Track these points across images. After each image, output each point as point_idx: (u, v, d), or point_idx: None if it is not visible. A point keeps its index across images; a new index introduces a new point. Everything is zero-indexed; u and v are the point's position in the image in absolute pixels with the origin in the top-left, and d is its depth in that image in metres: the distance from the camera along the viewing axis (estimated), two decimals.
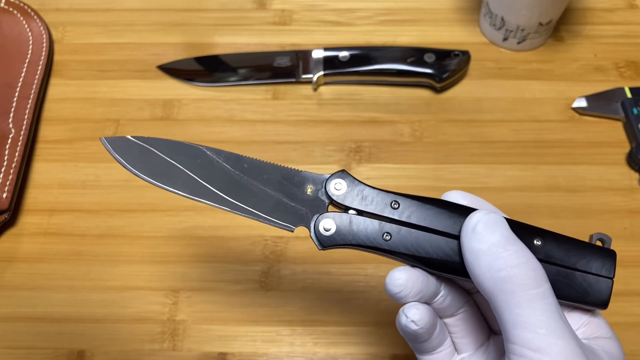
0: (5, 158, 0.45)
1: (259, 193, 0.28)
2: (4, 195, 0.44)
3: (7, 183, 0.44)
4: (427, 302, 0.27)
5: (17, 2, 0.55)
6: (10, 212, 0.44)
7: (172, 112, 0.50)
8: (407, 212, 0.27)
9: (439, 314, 0.28)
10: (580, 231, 0.44)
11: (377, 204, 0.27)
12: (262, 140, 0.48)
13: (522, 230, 0.26)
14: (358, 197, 0.28)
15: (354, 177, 0.28)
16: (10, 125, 0.47)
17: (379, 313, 0.41)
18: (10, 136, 0.47)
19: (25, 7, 0.55)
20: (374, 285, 0.42)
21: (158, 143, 0.28)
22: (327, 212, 0.28)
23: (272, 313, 0.41)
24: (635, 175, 0.46)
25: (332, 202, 0.28)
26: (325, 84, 0.51)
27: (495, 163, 0.47)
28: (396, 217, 0.27)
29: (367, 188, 0.28)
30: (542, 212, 0.44)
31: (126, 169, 0.28)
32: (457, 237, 0.26)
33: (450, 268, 0.26)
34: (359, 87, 0.51)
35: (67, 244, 0.44)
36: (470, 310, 0.29)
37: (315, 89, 0.51)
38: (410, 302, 0.27)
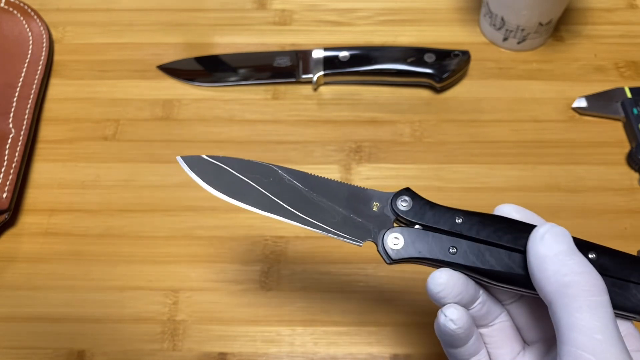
0: (5, 158, 0.45)
1: (327, 209, 0.29)
2: (4, 195, 0.44)
3: (7, 183, 0.44)
4: (466, 308, 0.28)
5: (17, 2, 0.55)
6: (10, 212, 0.44)
7: (172, 112, 0.50)
8: (470, 227, 0.28)
9: (475, 323, 0.29)
10: (580, 231, 0.43)
11: (441, 219, 0.28)
12: (262, 140, 0.48)
13: (577, 244, 0.27)
14: (423, 213, 0.29)
15: (418, 194, 0.29)
16: (10, 125, 0.47)
17: (379, 313, 0.41)
18: (10, 136, 0.47)
19: (25, 7, 0.55)
20: (374, 285, 0.42)
21: (232, 162, 0.30)
22: (394, 227, 0.29)
23: (272, 313, 0.41)
24: (635, 175, 0.46)
25: (398, 218, 0.29)
26: (325, 84, 0.51)
27: (495, 163, 0.47)
28: (460, 232, 0.28)
29: (431, 204, 0.29)
30: (542, 212, 0.44)
31: (202, 186, 0.29)
32: (518, 251, 0.27)
33: (511, 280, 0.27)
34: (359, 87, 0.51)
35: (67, 244, 0.44)
36: (506, 321, 0.30)
37: (315, 89, 0.51)
38: (449, 303, 0.27)
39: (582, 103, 0.49)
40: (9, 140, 0.46)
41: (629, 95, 0.48)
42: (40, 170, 0.47)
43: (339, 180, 0.30)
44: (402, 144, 0.48)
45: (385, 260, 0.28)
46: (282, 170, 0.30)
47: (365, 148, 0.48)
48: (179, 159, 0.30)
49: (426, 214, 0.28)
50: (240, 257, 0.43)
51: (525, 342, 0.30)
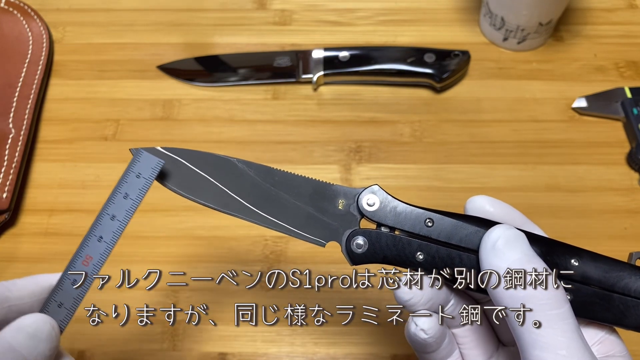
0: (5, 158, 0.45)
1: (290, 207, 0.27)
2: (4, 195, 0.44)
3: (7, 183, 0.44)
4: (437, 312, 0.27)
5: (17, 2, 0.55)
6: (10, 212, 0.44)
7: (172, 112, 0.50)
8: (441, 230, 0.26)
9: (447, 324, 0.28)
10: (580, 231, 0.44)
11: (410, 221, 0.26)
12: (262, 140, 0.48)
13: (559, 249, 0.26)
14: (391, 214, 0.27)
15: (387, 193, 0.27)
16: (10, 125, 0.47)
17: (379, 313, 0.41)
18: (10, 136, 0.47)
19: (25, 7, 0.55)
20: (375, 284, 0.42)
21: (188, 154, 0.28)
22: (359, 228, 0.27)
23: (272, 313, 0.41)
24: (635, 175, 0.46)
25: (365, 218, 0.27)
26: (325, 84, 0.51)
27: (495, 163, 0.47)
28: (430, 236, 0.26)
29: (401, 204, 0.27)
30: (542, 212, 0.44)
31: (156, 180, 0.28)
32: None
33: (482, 288, 0.26)
34: (359, 87, 0.51)
35: (67, 244, 0.44)
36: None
37: (315, 89, 0.51)
38: (419, 309, 0.26)
39: (582, 103, 0.49)
40: (9, 140, 0.46)
41: (629, 95, 0.48)
42: (40, 170, 0.47)
43: (312, 178, 0.28)
44: (402, 144, 0.48)
45: (349, 263, 0.27)
46: (243, 164, 0.28)
47: (365, 148, 0.48)
48: (132, 150, 0.28)
49: (394, 216, 0.27)
50: (240, 257, 0.43)
51: (502, 343, 0.29)
